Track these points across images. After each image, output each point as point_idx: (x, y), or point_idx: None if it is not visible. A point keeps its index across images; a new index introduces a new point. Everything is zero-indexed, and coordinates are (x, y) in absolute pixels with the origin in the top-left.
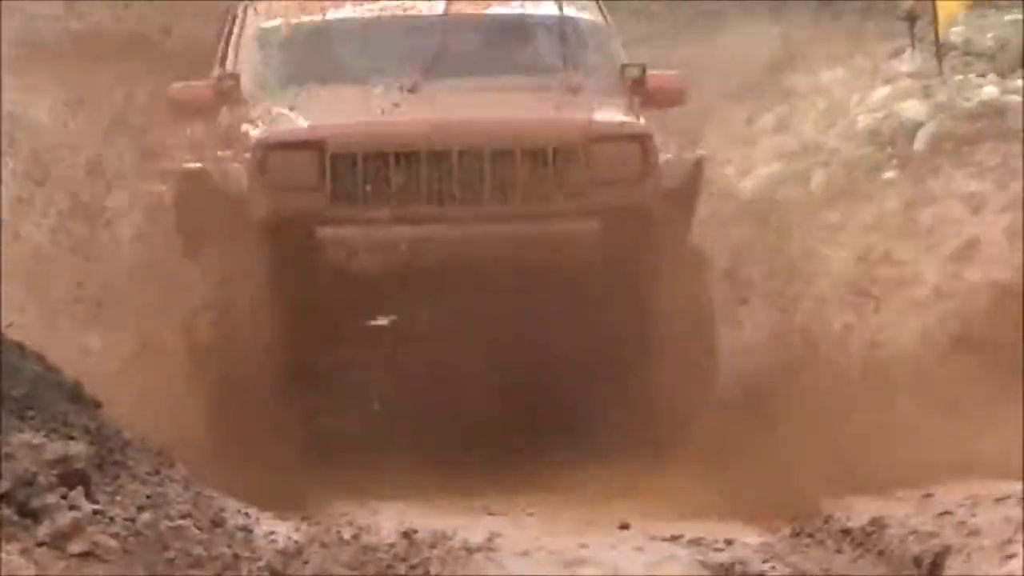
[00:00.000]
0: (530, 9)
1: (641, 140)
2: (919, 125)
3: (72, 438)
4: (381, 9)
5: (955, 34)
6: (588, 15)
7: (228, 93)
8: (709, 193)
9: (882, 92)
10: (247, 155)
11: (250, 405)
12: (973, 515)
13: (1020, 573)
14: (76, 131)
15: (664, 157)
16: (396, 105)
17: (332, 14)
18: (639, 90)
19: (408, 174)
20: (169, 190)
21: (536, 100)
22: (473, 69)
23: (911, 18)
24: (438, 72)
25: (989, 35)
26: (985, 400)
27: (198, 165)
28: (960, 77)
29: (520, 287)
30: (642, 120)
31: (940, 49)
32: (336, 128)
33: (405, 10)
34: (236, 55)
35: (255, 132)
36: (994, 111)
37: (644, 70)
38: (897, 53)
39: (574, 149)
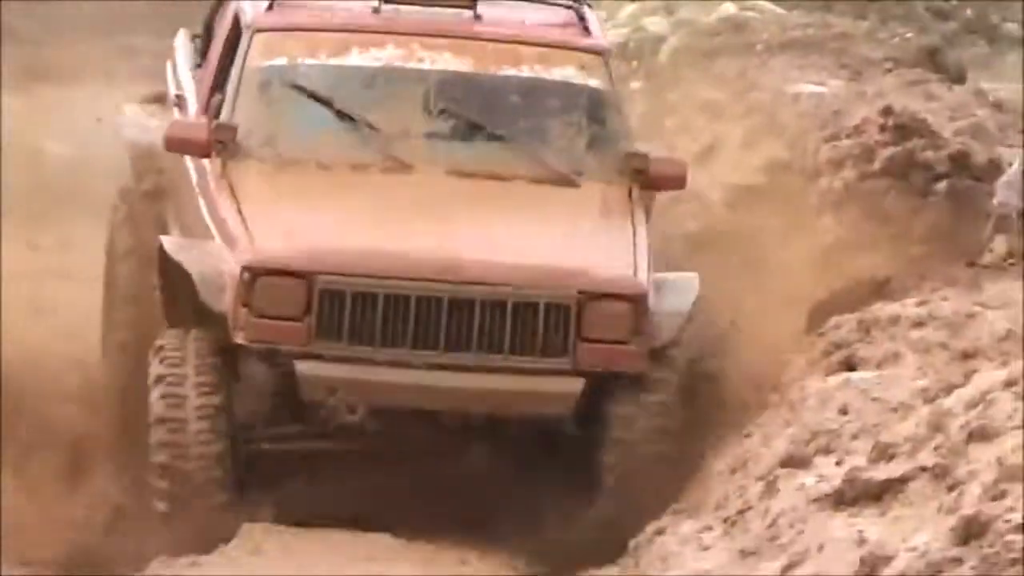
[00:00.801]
0: (546, 72)
1: (635, 301)
2: (663, 39)
3: None
4: (387, 57)
5: None
6: (596, 82)
7: (222, 144)
8: None
9: (629, 9)
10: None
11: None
12: None
13: None
14: None
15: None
16: (390, 222)
17: (337, 60)
18: (640, 178)
19: (397, 316)
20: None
21: (540, 216)
22: (484, 144)
23: None
24: (438, 142)
25: None
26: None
27: (184, 253)
28: None
29: (493, 436)
30: (641, 258)
31: None
32: (327, 256)
33: (411, 62)
34: (236, 96)
35: (242, 238)
36: (732, 26)
37: (647, 159)
38: None
39: (567, 305)
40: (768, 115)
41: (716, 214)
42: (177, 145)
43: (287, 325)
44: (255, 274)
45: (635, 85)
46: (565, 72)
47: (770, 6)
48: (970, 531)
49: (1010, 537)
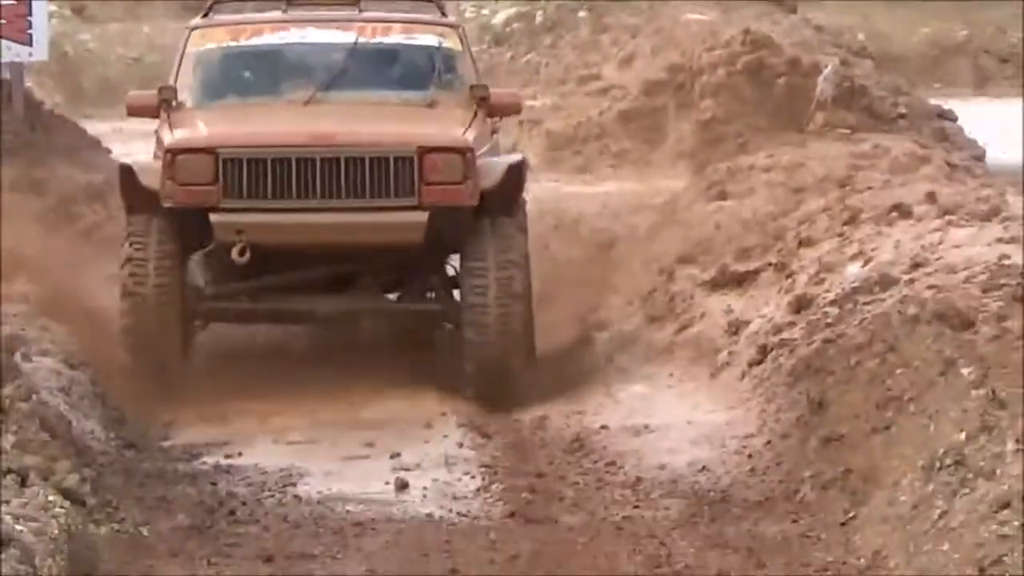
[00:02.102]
0: (406, 39)
1: (462, 152)
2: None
3: None
4: (289, 38)
5: None
6: (450, 43)
7: (166, 102)
8: None
9: None
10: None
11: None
12: None
13: None
14: None
15: (487, 160)
16: (281, 119)
17: (250, 41)
18: (484, 105)
19: (282, 175)
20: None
21: (394, 115)
22: (358, 85)
23: None
24: (331, 87)
25: None
26: None
27: (128, 160)
28: None
29: (362, 259)
30: (471, 134)
31: None
32: (226, 137)
33: (306, 39)
34: (179, 71)
35: (168, 137)
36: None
37: (487, 89)
38: None
39: (410, 157)
40: (668, 34)
41: (635, 100)
42: (135, 110)
43: (201, 189)
44: (175, 153)
45: (581, 14)
46: (425, 39)
47: None
48: (800, 305)
49: (826, 309)
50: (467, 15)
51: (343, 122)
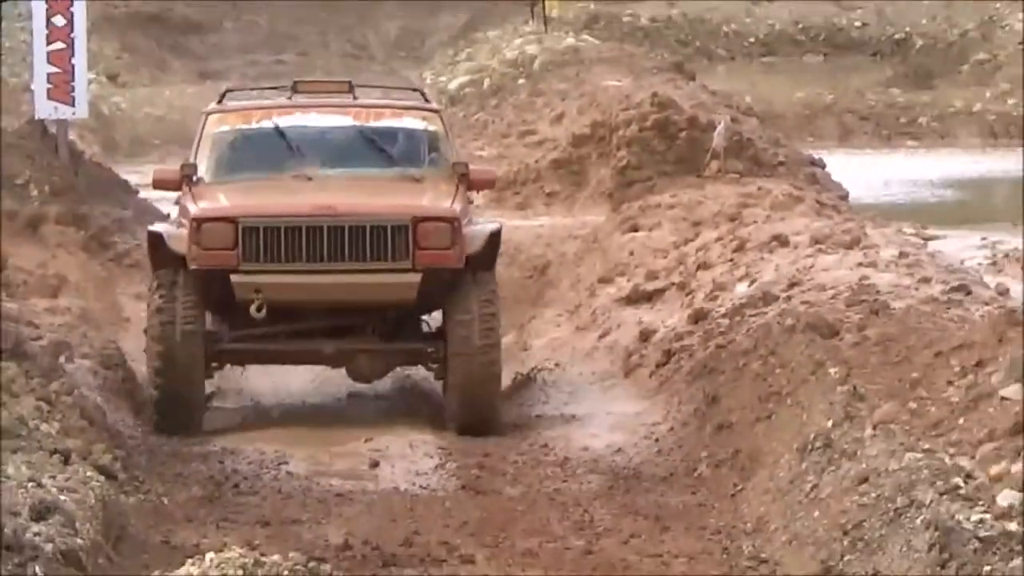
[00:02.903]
0: (395, 123)
1: (451, 220)
2: (536, 56)
3: None
4: (294, 121)
5: (552, 10)
6: (433, 126)
7: (188, 177)
8: None
9: (517, 41)
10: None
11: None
12: None
13: None
14: None
15: (471, 228)
16: (292, 192)
17: (260, 124)
18: (465, 180)
19: (294, 241)
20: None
21: (390, 188)
22: (355, 162)
23: (532, 4)
24: (332, 163)
25: (570, 13)
26: None
27: (159, 228)
28: (557, 34)
29: (367, 314)
30: (456, 204)
31: (546, 19)
32: (245, 209)
33: (309, 122)
34: (197, 150)
35: (193, 208)
36: (572, 50)
37: (467, 166)
38: (526, 21)
39: (405, 226)
40: (591, 97)
41: (564, 150)
42: (160, 184)
43: (223, 253)
44: (200, 222)
45: (520, 81)
46: (412, 123)
47: (592, 40)
48: (697, 317)
49: (719, 320)
50: (427, 81)
51: (345, 195)
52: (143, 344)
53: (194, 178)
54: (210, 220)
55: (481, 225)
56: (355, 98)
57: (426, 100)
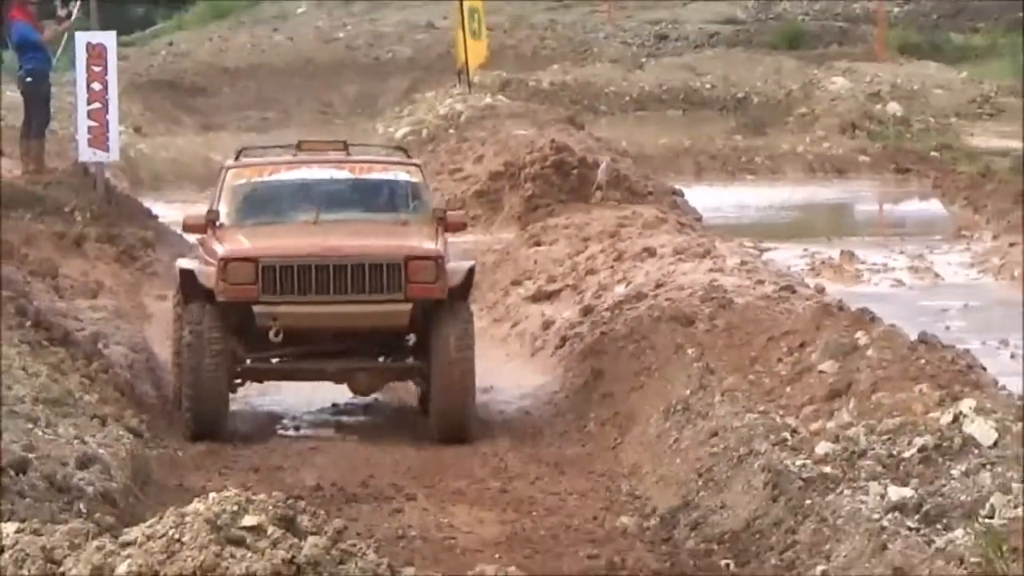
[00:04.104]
0: (384, 175)
1: (436, 259)
2: (462, 113)
3: None
4: (300, 175)
5: (474, 76)
6: (415, 178)
7: (211, 222)
8: None
9: (447, 101)
10: (215, 262)
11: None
12: None
13: None
14: None
15: (452, 265)
16: (302, 235)
17: (271, 177)
18: (443, 223)
19: (305, 276)
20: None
21: (383, 231)
22: (352, 208)
23: (459, 72)
24: (332, 210)
25: (488, 79)
26: None
27: (188, 264)
28: (478, 94)
29: (366, 337)
30: (439, 245)
31: (470, 84)
32: (264, 249)
33: (312, 175)
34: (219, 198)
35: (220, 249)
36: (489, 107)
37: (445, 212)
38: (454, 85)
39: (398, 263)
40: (504, 143)
41: (483, 184)
42: (189, 228)
43: (245, 287)
44: (227, 261)
45: (450, 131)
46: (397, 175)
47: (505, 100)
48: (587, 311)
49: (603, 313)
50: (379, 131)
51: (348, 237)
52: (163, 334)
53: (217, 223)
54: (235, 260)
55: (459, 262)
56: (349, 155)
57: (408, 156)
